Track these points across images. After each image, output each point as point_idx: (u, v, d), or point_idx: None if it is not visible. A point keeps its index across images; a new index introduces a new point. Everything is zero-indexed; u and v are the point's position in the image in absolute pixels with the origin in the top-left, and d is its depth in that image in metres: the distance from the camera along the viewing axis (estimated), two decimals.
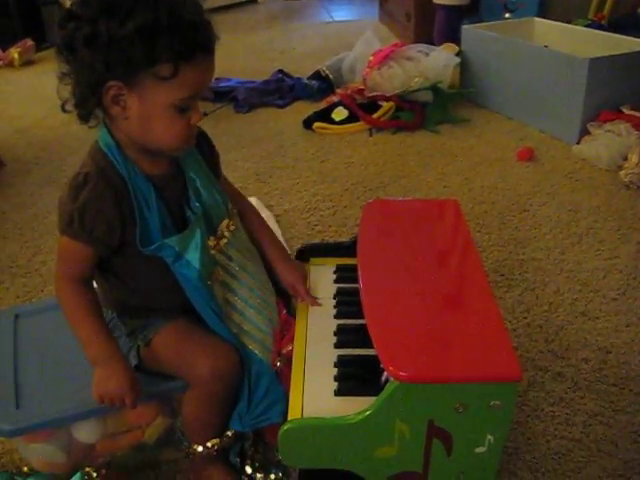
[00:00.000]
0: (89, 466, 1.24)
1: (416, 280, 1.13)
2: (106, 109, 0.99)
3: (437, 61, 3.03)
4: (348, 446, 0.99)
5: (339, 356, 1.12)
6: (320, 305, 1.25)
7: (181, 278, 1.09)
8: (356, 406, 0.98)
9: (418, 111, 2.93)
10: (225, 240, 1.16)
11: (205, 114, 2.95)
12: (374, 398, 0.96)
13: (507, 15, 3.60)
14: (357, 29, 4.34)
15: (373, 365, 1.05)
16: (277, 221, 2.18)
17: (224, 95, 3.30)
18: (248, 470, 1.23)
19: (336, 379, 1.07)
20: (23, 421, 1.12)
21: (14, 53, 4.19)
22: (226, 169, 1.27)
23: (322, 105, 3.14)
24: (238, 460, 1.24)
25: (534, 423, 1.40)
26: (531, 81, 2.82)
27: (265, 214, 2.16)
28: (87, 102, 1.00)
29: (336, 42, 4.35)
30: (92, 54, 0.93)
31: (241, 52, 4.25)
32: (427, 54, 3.09)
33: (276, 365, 1.18)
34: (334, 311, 1.23)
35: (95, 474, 1.23)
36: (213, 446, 1.17)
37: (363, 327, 1.05)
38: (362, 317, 1.06)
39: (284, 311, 1.26)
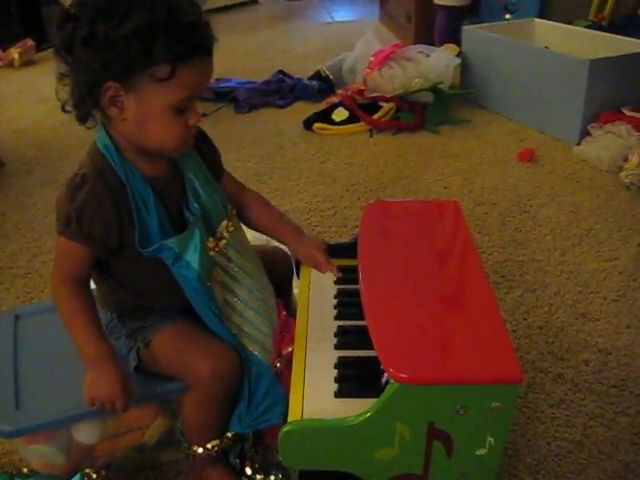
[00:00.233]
0: (89, 467, 1.24)
1: (416, 281, 1.13)
2: (104, 110, 0.99)
3: (437, 62, 3.04)
4: (348, 448, 0.99)
5: (339, 357, 1.12)
6: (340, 275, 1.25)
7: (180, 279, 1.09)
8: (356, 408, 0.97)
9: (418, 112, 2.93)
10: (224, 241, 1.16)
11: (205, 115, 2.96)
12: (374, 400, 0.95)
13: (507, 16, 3.60)
14: (357, 30, 4.34)
15: (373, 367, 1.05)
16: None
17: (224, 95, 3.30)
18: (248, 471, 1.23)
19: (336, 380, 1.07)
20: (23, 422, 1.13)
21: (14, 53, 4.19)
22: (226, 169, 1.27)
23: (322, 106, 3.14)
24: (238, 461, 1.24)
25: (534, 425, 1.40)
26: (532, 82, 2.82)
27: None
28: (85, 103, 1.00)
29: (336, 43, 4.35)
30: (90, 55, 0.93)
31: (241, 52, 4.25)
32: (427, 55, 3.10)
33: (276, 366, 1.18)
34: (334, 312, 1.23)
35: (95, 475, 1.23)
36: (213, 447, 1.17)
37: (363, 328, 1.04)
38: (362, 318, 1.06)
39: (284, 312, 1.26)
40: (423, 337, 1.01)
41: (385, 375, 1.01)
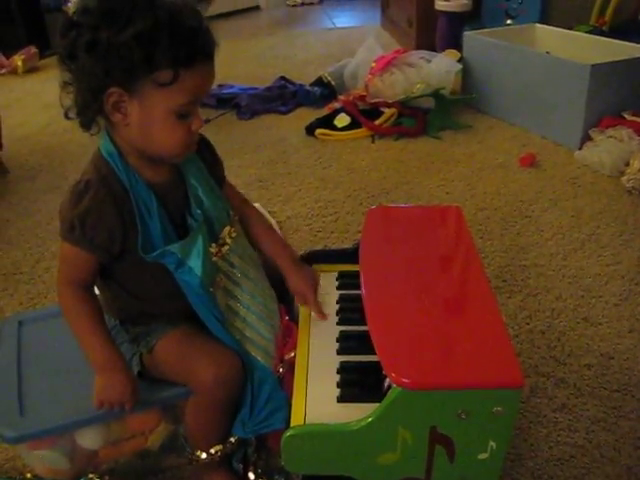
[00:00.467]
0: (92, 473, 1.24)
1: (418, 286, 1.13)
2: (107, 116, 1.00)
3: (439, 67, 3.04)
4: (351, 452, 0.99)
5: (342, 362, 1.12)
6: (326, 319, 1.23)
7: (183, 285, 1.09)
8: (359, 413, 0.98)
9: (420, 117, 2.94)
10: (227, 247, 1.16)
11: (207, 121, 2.97)
12: (377, 405, 0.96)
13: (509, 21, 3.60)
14: (359, 35, 4.36)
15: (375, 372, 1.05)
16: (280, 227, 2.19)
17: (227, 102, 3.31)
18: (251, 476, 1.23)
19: (339, 385, 1.07)
20: (27, 428, 1.13)
21: (18, 60, 4.21)
22: (229, 175, 1.27)
23: (324, 112, 3.15)
24: (241, 466, 1.24)
25: (537, 429, 1.40)
26: (533, 87, 2.83)
27: (268, 221, 2.17)
28: (89, 109, 1.01)
29: (338, 48, 4.37)
30: (92, 61, 0.94)
31: (243, 59, 4.26)
32: (429, 60, 3.11)
33: (278, 371, 1.18)
34: (336, 318, 1.23)
35: None
36: (216, 452, 1.17)
37: (366, 334, 1.05)
38: (365, 324, 1.06)
39: (286, 317, 1.26)
40: (425, 342, 1.01)
41: (387, 380, 1.01)
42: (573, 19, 3.38)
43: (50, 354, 1.29)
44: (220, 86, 3.43)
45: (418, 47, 3.59)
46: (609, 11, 3.30)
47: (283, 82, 3.56)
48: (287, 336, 1.22)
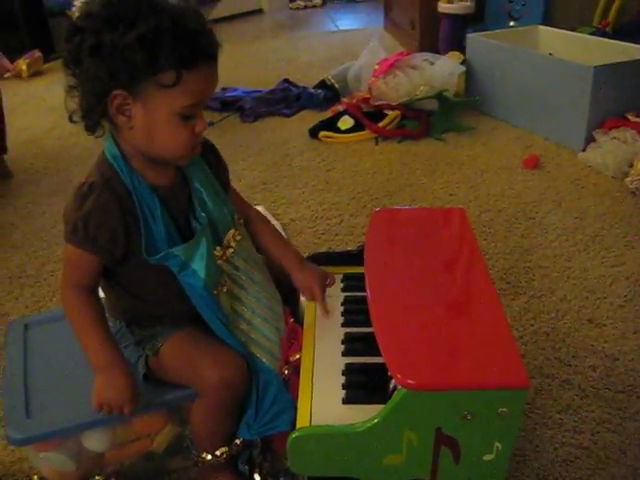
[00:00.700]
0: (99, 474, 1.24)
1: (423, 288, 1.14)
2: (112, 119, 1.01)
3: (442, 69, 3.05)
4: (356, 454, 1.00)
5: (347, 364, 1.12)
6: (327, 318, 1.24)
7: (187, 287, 1.10)
8: (364, 414, 0.98)
9: (423, 120, 2.94)
10: (231, 250, 1.17)
11: (211, 124, 2.98)
12: (382, 406, 0.96)
13: (512, 23, 3.60)
14: (362, 38, 4.35)
15: (381, 373, 1.05)
16: (284, 230, 2.19)
17: (230, 105, 3.32)
18: (257, 478, 1.23)
19: (344, 387, 1.08)
20: (33, 430, 1.13)
21: (22, 64, 4.22)
22: (233, 178, 1.28)
23: (328, 114, 3.16)
24: (247, 468, 1.24)
25: (542, 431, 1.40)
26: (536, 89, 2.83)
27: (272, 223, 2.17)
28: (93, 112, 1.01)
29: (341, 51, 4.37)
30: (97, 64, 0.95)
31: (247, 62, 4.27)
32: (432, 63, 3.11)
33: (284, 373, 1.18)
34: (342, 319, 1.24)
35: None
36: (222, 454, 1.18)
37: (371, 335, 1.05)
38: (370, 325, 1.07)
39: (291, 319, 1.26)
40: (430, 343, 1.01)
41: (393, 381, 1.02)
42: (576, 20, 3.38)
43: (56, 357, 1.30)
44: (224, 89, 3.44)
45: (421, 49, 3.60)
46: (612, 12, 3.29)
47: (287, 85, 3.57)
48: (292, 338, 1.22)
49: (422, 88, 2.97)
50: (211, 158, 1.20)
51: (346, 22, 5.53)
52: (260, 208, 2.27)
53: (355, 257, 1.33)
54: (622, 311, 1.75)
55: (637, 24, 3.22)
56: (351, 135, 2.95)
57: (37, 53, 4.29)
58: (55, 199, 2.53)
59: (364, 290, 1.14)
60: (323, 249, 2.06)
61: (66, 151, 3.00)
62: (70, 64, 0.99)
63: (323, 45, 4.72)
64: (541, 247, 2.06)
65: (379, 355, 1.00)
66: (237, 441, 1.19)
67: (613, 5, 3.29)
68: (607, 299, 1.80)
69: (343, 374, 1.10)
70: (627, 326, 1.69)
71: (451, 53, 3.40)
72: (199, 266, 1.08)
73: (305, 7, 6.15)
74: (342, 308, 1.26)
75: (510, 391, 0.94)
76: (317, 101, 3.35)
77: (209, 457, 1.18)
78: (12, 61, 4.27)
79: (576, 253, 2.02)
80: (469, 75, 3.19)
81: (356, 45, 4.05)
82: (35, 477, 1.29)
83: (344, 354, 1.15)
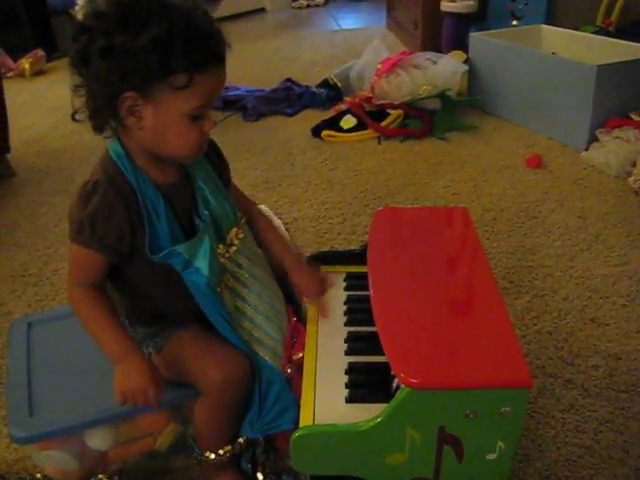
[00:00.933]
0: (102, 473, 1.24)
1: (426, 287, 1.14)
2: (121, 120, 1.00)
3: (445, 69, 3.05)
4: (359, 453, 1.00)
5: (350, 363, 1.12)
6: (327, 318, 1.25)
7: (190, 285, 1.10)
8: (367, 413, 0.98)
9: (426, 119, 2.94)
10: (234, 248, 1.17)
11: (214, 123, 2.97)
12: (385, 405, 0.96)
13: (514, 22, 3.60)
14: (365, 37, 4.36)
15: (384, 372, 1.05)
16: (286, 229, 2.19)
17: (233, 104, 3.32)
18: (259, 477, 1.23)
19: (347, 386, 1.08)
20: (36, 428, 1.14)
21: (25, 63, 4.23)
22: (235, 177, 1.28)
23: (330, 113, 3.15)
24: (249, 466, 1.24)
25: (544, 430, 1.40)
26: (539, 88, 2.83)
27: (274, 222, 2.17)
28: (102, 113, 1.01)
29: (344, 50, 4.37)
30: (108, 66, 0.94)
31: (249, 61, 4.27)
32: (435, 62, 3.11)
33: (287, 372, 1.18)
34: (344, 318, 1.24)
35: None
36: (225, 453, 1.18)
37: (374, 334, 1.05)
38: (373, 324, 1.07)
39: (294, 318, 1.26)
40: (433, 342, 1.01)
41: (396, 380, 1.02)
42: (579, 20, 3.38)
43: (59, 355, 1.30)
44: (226, 88, 3.43)
45: (424, 48, 3.59)
46: (615, 12, 3.29)
47: (289, 84, 3.56)
48: (295, 337, 1.22)
49: (425, 87, 2.96)
50: (213, 156, 1.20)
51: (349, 21, 5.53)
52: (262, 207, 2.27)
53: (358, 256, 1.33)
54: (625, 310, 1.75)
55: None
56: (354, 134, 2.95)
57: (40, 52, 4.29)
58: (58, 198, 2.54)
59: (367, 289, 1.14)
60: (325, 248, 2.06)
61: (69, 150, 3.01)
62: (77, 64, 0.99)
63: (326, 44, 4.72)
64: (544, 246, 2.06)
65: (382, 354, 1.00)
66: (240, 440, 1.19)
67: (616, 4, 3.29)
68: (610, 298, 1.80)
69: (346, 373, 1.11)
70: (630, 325, 1.69)
71: (454, 52, 3.40)
72: (202, 264, 1.08)
73: (308, 6, 6.14)
74: (345, 307, 1.27)
75: (513, 390, 0.94)
76: (320, 100, 3.35)
77: (212, 456, 1.18)
78: (15, 60, 4.27)
79: (579, 252, 2.01)
80: (472, 74, 3.18)
81: (359, 44, 4.04)
82: (38, 475, 1.29)
83: (347, 353, 1.15)
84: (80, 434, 1.20)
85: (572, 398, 1.47)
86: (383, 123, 2.93)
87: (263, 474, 1.23)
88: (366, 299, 1.14)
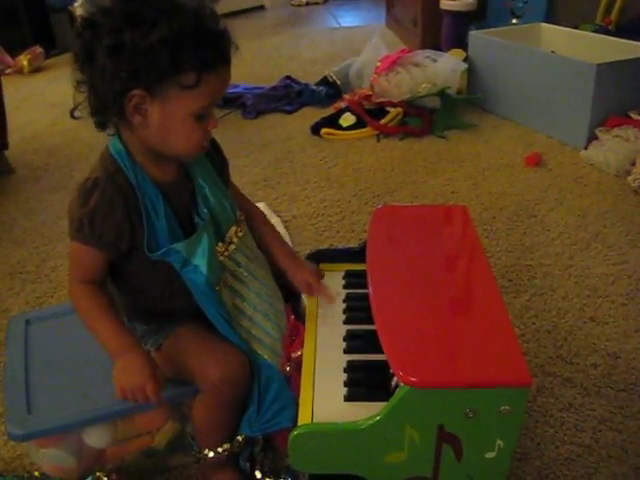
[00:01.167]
0: (99, 471, 1.24)
1: (425, 285, 1.14)
2: (127, 117, 1.00)
3: (444, 67, 3.04)
4: (358, 451, 0.99)
5: (349, 362, 1.12)
6: (334, 302, 1.25)
7: (189, 283, 1.09)
8: (366, 411, 0.98)
9: (426, 117, 2.93)
10: (233, 246, 1.17)
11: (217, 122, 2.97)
12: (384, 403, 0.96)
13: (514, 20, 3.59)
14: (364, 35, 4.36)
15: (383, 370, 1.05)
16: (285, 227, 2.19)
17: (232, 101, 3.31)
18: (258, 475, 1.23)
19: (346, 384, 1.07)
20: (34, 426, 1.13)
21: (23, 60, 4.22)
22: (234, 175, 1.28)
23: (330, 111, 3.15)
24: (248, 465, 1.24)
25: (543, 429, 1.39)
26: (538, 87, 2.82)
27: (274, 220, 2.17)
28: (107, 110, 1.00)
29: (343, 48, 4.37)
30: (116, 63, 0.93)
31: (249, 58, 4.26)
32: (434, 60, 3.10)
33: (285, 370, 1.18)
34: (343, 317, 1.23)
35: (105, 479, 1.24)
36: (224, 451, 1.18)
37: (373, 332, 1.05)
38: (372, 322, 1.06)
39: (292, 316, 1.26)
40: (432, 341, 1.01)
41: (395, 379, 1.02)
42: (579, 18, 3.38)
43: (57, 353, 1.30)
44: None
45: (423, 46, 3.59)
46: (615, 10, 3.29)
47: (288, 81, 3.56)
48: (294, 335, 1.22)
49: (424, 85, 2.96)
50: (213, 154, 1.20)
51: (348, 19, 5.53)
52: (261, 205, 2.27)
53: (357, 254, 1.33)
54: (624, 309, 1.75)
55: None
56: (353, 132, 2.94)
57: (38, 49, 4.29)
58: (56, 195, 2.53)
59: (366, 287, 1.14)
60: (324, 246, 2.06)
61: (67, 147, 3.00)
62: (80, 60, 0.98)
63: (325, 42, 4.71)
64: (543, 245, 2.05)
65: (381, 352, 1.00)
66: (239, 438, 1.19)
67: (616, 3, 3.28)
68: (609, 297, 1.80)
69: (345, 371, 1.10)
70: (629, 324, 1.69)
71: (453, 50, 3.39)
72: (201, 262, 1.08)
73: (307, 4, 6.15)
74: (344, 305, 1.26)
75: (512, 389, 0.94)
76: (319, 98, 3.34)
77: (211, 454, 1.18)
78: (13, 57, 4.27)
79: (578, 251, 2.01)
80: (471, 73, 3.18)
81: (358, 42, 4.04)
82: (36, 473, 1.29)
83: (346, 351, 1.15)
84: (78, 432, 1.20)
85: (571, 397, 1.47)
86: (382, 121, 2.92)
87: (261, 472, 1.23)
88: (365, 297, 1.14)
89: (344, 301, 1.27)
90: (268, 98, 3.37)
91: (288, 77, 3.62)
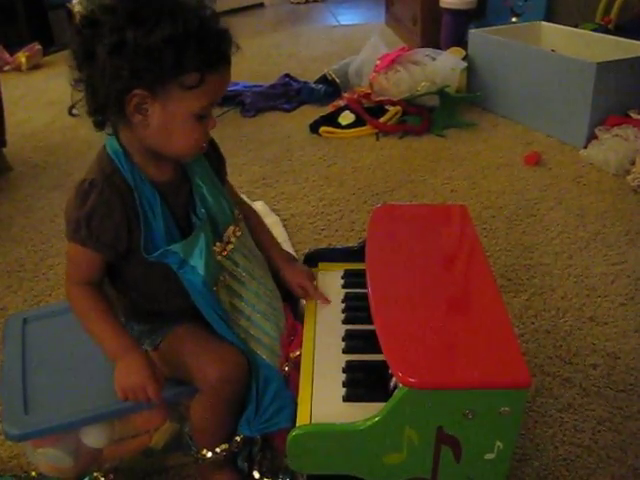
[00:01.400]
0: (97, 471, 1.24)
1: (425, 285, 1.13)
2: (127, 117, 0.99)
3: (444, 65, 3.04)
4: (356, 452, 0.99)
5: (347, 362, 1.12)
6: (330, 302, 1.25)
7: (186, 284, 1.09)
8: (365, 412, 0.97)
9: (425, 115, 2.93)
10: (231, 246, 1.16)
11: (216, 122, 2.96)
12: (383, 404, 0.95)
13: (514, 19, 3.59)
14: (363, 33, 4.35)
15: (382, 371, 1.05)
16: (284, 226, 2.18)
17: (231, 99, 3.30)
18: (256, 475, 1.23)
19: (344, 385, 1.07)
20: (31, 425, 1.13)
21: (22, 57, 4.21)
22: (233, 173, 1.27)
23: (329, 109, 3.14)
24: (246, 465, 1.23)
25: (542, 429, 1.39)
26: (538, 85, 2.82)
27: (272, 219, 2.17)
28: (107, 109, 0.99)
29: (342, 46, 4.36)
30: (117, 62, 0.92)
31: (247, 56, 4.21)
32: (434, 58, 3.10)
33: (284, 370, 1.18)
34: (342, 316, 1.23)
35: (103, 479, 1.23)
36: (222, 451, 1.17)
37: (371, 333, 1.04)
38: (370, 322, 1.06)
39: (291, 316, 1.26)
40: (431, 341, 1.00)
41: (393, 379, 1.01)
42: (579, 17, 3.37)
43: (54, 352, 1.29)
44: None
45: (423, 45, 3.59)
46: (615, 9, 3.28)
47: (287, 79, 3.56)
48: (292, 335, 1.22)
49: (423, 84, 2.96)
50: (211, 153, 1.19)
51: (347, 17, 5.52)
52: (259, 203, 2.27)
53: (356, 253, 1.32)
54: (623, 309, 1.74)
55: None
56: (352, 130, 2.94)
57: (37, 46, 4.28)
58: (55, 193, 2.53)
59: (365, 287, 1.14)
60: (323, 245, 2.05)
61: (66, 145, 2.99)
62: (80, 58, 0.97)
63: (324, 40, 4.71)
64: (542, 244, 2.05)
65: (380, 353, 0.99)
66: (237, 438, 1.18)
67: (616, 2, 3.28)
68: (608, 297, 1.79)
69: (344, 372, 1.10)
70: (628, 324, 1.69)
71: (453, 49, 3.39)
72: (198, 262, 1.07)
73: (306, 1, 6.15)
74: (343, 305, 1.26)
75: (512, 390, 0.93)
76: (318, 96, 3.34)
77: (209, 454, 1.17)
78: (11, 54, 4.26)
79: (577, 251, 2.01)
80: (471, 71, 3.18)
81: (357, 40, 4.04)
82: (33, 473, 1.28)
83: (345, 351, 1.14)
84: (75, 431, 1.19)
85: (570, 397, 1.47)
86: (381, 119, 2.92)
87: (260, 473, 1.22)
88: (364, 297, 1.13)
89: (343, 301, 1.27)
90: (267, 96, 3.36)
91: (287, 75, 3.61)
